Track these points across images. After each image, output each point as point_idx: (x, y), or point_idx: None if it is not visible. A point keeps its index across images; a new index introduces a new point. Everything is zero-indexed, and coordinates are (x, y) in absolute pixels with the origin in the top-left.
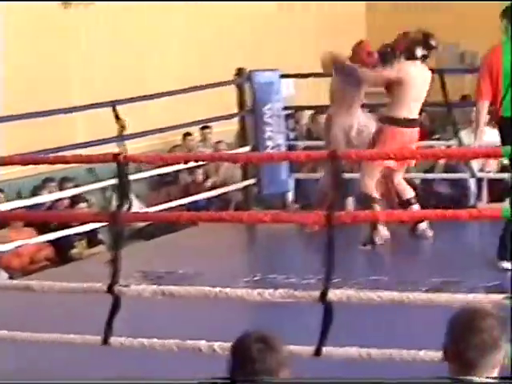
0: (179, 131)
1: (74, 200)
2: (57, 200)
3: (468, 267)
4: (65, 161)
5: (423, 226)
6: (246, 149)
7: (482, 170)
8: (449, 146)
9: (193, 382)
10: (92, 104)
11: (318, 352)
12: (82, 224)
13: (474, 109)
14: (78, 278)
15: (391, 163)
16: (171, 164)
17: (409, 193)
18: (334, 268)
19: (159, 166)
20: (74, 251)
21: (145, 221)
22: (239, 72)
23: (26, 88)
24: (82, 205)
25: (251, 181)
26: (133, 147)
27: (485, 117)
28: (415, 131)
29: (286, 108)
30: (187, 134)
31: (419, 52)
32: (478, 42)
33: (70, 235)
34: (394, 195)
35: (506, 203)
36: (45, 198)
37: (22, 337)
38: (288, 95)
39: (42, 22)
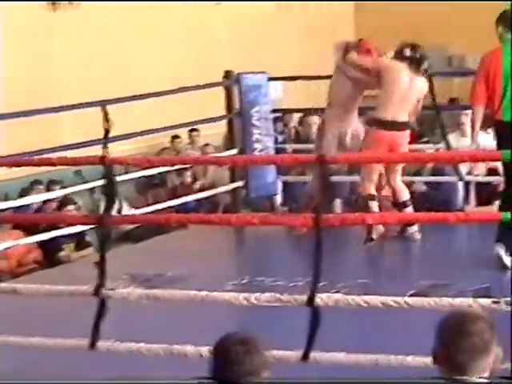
0: (168, 133)
1: (62, 202)
2: (45, 202)
3: (457, 270)
4: (50, 163)
5: (413, 228)
6: (234, 151)
7: (469, 174)
8: (437, 149)
9: (179, 382)
10: (80, 103)
11: (305, 356)
12: (70, 225)
13: (462, 112)
14: (66, 280)
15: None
16: (159, 166)
17: (405, 195)
18: (321, 271)
19: (147, 168)
20: (62, 254)
21: (133, 223)
22: (227, 74)
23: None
24: (70, 207)
25: (239, 183)
26: (121, 149)
27: (481, 121)
28: (402, 134)
29: (274, 111)
30: (175, 137)
31: (407, 52)
32: (466, 46)
33: (58, 238)
34: (382, 195)
35: (494, 206)
36: (33, 199)
37: (8, 341)
38: (276, 98)
39: (32, 23)
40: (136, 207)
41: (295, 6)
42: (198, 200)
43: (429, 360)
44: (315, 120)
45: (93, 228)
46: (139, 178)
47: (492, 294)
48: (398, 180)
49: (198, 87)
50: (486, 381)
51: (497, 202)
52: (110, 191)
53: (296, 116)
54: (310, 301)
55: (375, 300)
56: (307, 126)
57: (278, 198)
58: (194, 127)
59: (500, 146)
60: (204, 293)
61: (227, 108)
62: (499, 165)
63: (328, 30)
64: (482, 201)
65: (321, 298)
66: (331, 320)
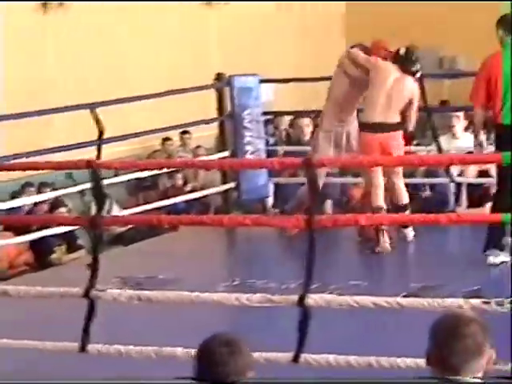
0: (160, 135)
1: (54, 205)
2: (36, 204)
3: (448, 272)
4: (37, 167)
5: (408, 230)
6: (225, 154)
7: (460, 175)
8: (429, 152)
9: (162, 382)
10: (70, 106)
11: (295, 359)
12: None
13: (453, 114)
14: (57, 283)
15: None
16: (145, 170)
17: (406, 198)
18: (313, 272)
19: (138, 171)
20: (53, 256)
21: (125, 224)
22: (219, 77)
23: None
24: (62, 209)
25: (231, 185)
26: (113, 151)
27: (482, 122)
28: (393, 135)
29: (265, 113)
30: (166, 139)
31: (402, 50)
32: (457, 47)
33: (49, 240)
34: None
35: (486, 208)
36: (24, 201)
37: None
38: (267, 100)
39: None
40: (127, 209)
41: (295, 6)
42: (189, 202)
43: (420, 361)
44: (306, 122)
45: (84, 230)
46: (130, 180)
47: (483, 295)
48: (401, 182)
49: (189, 90)
50: (479, 381)
51: (488, 204)
52: (98, 194)
53: (287, 118)
54: (301, 301)
55: (367, 300)
56: (298, 128)
57: (270, 200)
58: (186, 129)
59: (500, 149)
60: (195, 293)
61: (219, 110)
62: (490, 167)
63: (320, 31)
64: (474, 203)
65: (312, 299)
66: (323, 321)
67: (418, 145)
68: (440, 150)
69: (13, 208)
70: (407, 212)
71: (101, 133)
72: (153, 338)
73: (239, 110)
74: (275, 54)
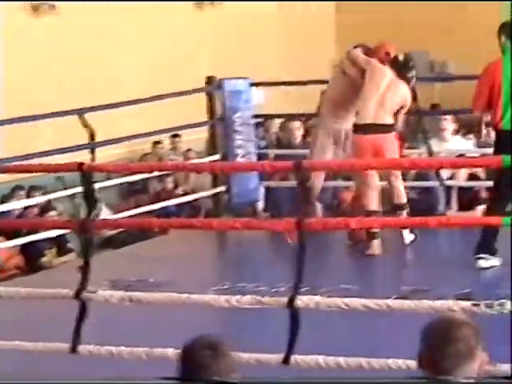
0: (150, 139)
1: (44, 208)
2: (26, 208)
3: (439, 275)
4: (29, 170)
5: (405, 232)
6: (216, 157)
7: (451, 179)
8: (420, 155)
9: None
10: (58, 112)
11: (286, 360)
12: (51, 230)
13: (443, 117)
14: (48, 286)
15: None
16: (140, 172)
17: (404, 198)
18: (303, 275)
19: (128, 174)
20: (43, 260)
21: (115, 228)
22: (209, 80)
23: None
24: (52, 213)
25: (221, 188)
26: (104, 155)
27: (484, 126)
28: (385, 137)
29: (255, 116)
30: (157, 142)
31: (400, 57)
32: (447, 51)
33: (39, 244)
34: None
35: (476, 211)
36: (14, 205)
37: None
38: (258, 103)
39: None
40: (118, 213)
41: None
42: (179, 206)
43: (411, 363)
44: (297, 125)
45: (74, 234)
46: (121, 184)
47: (473, 298)
48: (400, 184)
49: (180, 93)
50: (471, 381)
51: (479, 207)
52: (89, 197)
53: (277, 121)
54: (291, 303)
55: (356, 303)
56: (289, 131)
57: (260, 204)
58: (177, 133)
59: (500, 152)
60: (185, 295)
61: (209, 113)
62: (479, 170)
63: (309, 30)
64: (464, 206)
65: (301, 301)
66: (314, 323)
67: (408, 148)
68: (431, 153)
69: (2, 212)
70: (404, 212)
71: (92, 136)
72: (144, 339)
73: (230, 114)
74: (266, 56)
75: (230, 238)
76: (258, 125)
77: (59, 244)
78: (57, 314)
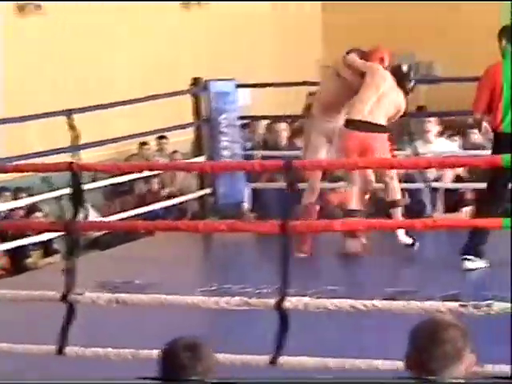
0: (136, 140)
1: (30, 209)
2: (12, 209)
3: (426, 277)
4: (18, 170)
5: (401, 233)
6: (202, 159)
7: (437, 181)
8: (407, 156)
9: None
10: (46, 113)
11: (273, 361)
12: (37, 233)
13: (427, 119)
14: (34, 287)
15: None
16: (127, 173)
17: (397, 194)
18: (289, 277)
19: (115, 175)
20: (29, 261)
21: (101, 229)
22: (195, 81)
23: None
24: (38, 214)
25: (207, 190)
26: (89, 156)
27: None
28: (376, 136)
29: (241, 117)
30: (143, 144)
31: (404, 68)
32: (433, 53)
33: (25, 245)
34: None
35: (461, 213)
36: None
37: None
38: (244, 105)
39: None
40: (104, 215)
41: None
42: (165, 207)
43: (399, 363)
44: (283, 127)
45: (60, 235)
46: (106, 186)
47: (461, 299)
48: (394, 182)
49: (165, 95)
50: (461, 381)
51: (464, 209)
52: (77, 198)
53: (263, 123)
54: (279, 304)
55: (344, 303)
56: (275, 132)
57: (246, 206)
58: (163, 134)
59: (499, 153)
60: (173, 297)
61: (195, 115)
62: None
63: (295, 31)
64: (449, 208)
65: (289, 302)
66: (301, 324)
67: (395, 150)
68: (416, 154)
69: None
70: (399, 209)
71: (76, 138)
72: (130, 340)
73: (216, 115)
74: (258, 56)
75: (216, 240)
76: (244, 126)
77: (45, 245)
78: (43, 316)
